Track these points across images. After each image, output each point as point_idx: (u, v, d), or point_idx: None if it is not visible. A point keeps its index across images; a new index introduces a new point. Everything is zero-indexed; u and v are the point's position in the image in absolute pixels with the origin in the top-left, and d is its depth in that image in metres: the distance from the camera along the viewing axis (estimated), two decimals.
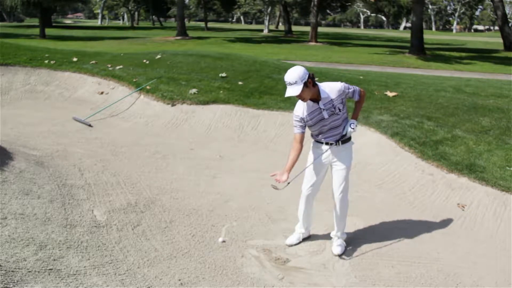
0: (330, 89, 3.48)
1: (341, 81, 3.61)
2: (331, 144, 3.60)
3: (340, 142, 3.60)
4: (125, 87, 8.82)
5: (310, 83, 3.35)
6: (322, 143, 3.63)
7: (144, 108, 8.11)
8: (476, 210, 4.67)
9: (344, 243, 3.88)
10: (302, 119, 3.52)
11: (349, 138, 3.68)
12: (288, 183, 3.40)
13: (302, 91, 3.31)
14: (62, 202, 4.06)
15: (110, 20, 72.43)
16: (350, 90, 3.53)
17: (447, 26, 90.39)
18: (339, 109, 3.50)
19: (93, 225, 3.82)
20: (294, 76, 3.30)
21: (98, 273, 3.12)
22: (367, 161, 5.81)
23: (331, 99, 3.45)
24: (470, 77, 13.82)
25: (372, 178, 5.55)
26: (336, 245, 3.83)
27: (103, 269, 3.19)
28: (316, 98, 3.44)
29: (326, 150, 3.63)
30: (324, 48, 27.14)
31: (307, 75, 3.32)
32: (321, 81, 3.54)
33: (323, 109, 3.47)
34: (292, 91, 3.32)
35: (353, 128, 3.57)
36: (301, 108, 3.51)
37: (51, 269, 2.97)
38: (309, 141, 3.73)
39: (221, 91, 8.37)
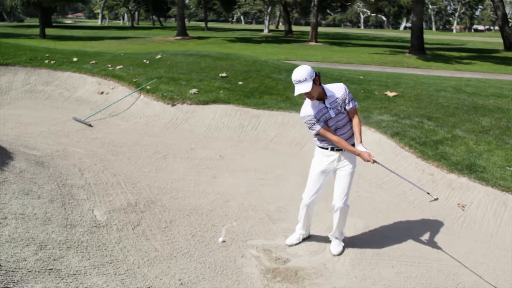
0: (334, 88, 3.51)
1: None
2: (337, 150, 3.58)
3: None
4: (125, 87, 8.82)
5: (318, 81, 3.37)
6: (327, 149, 3.60)
7: (144, 108, 8.11)
8: (476, 210, 4.67)
9: (342, 243, 3.89)
10: (314, 117, 3.47)
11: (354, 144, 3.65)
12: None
13: (312, 88, 3.31)
14: (62, 202, 4.06)
15: (110, 20, 72.45)
16: (349, 95, 3.52)
17: (447, 26, 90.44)
18: (344, 108, 3.51)
19: (93, 225, 3.82)
20: (303, 74, 3.30)
21: (98, 273, 3.12)
22: None
23: (336, 98, 3.48)
24: (470, 77, 13.81)
25: (372, 178, 5.55)
26: (334, 245, 3.84)
27: (103, 269, 3.19)
28: (322, 97, 3.46)
29: (331, 155, 3.60)
30: (324, 48, 27.13)
31: (314, 73, 3.34)
32: (322, 82, 3.53)
33: (330, 108, 3.48)
34: (302, 88, 3.29)
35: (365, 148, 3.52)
36: (309, 109, 3.49)
37: (51, 269, 2.97)
38: (308, 146, 3.72)
39: (221, 91, 8.37)
